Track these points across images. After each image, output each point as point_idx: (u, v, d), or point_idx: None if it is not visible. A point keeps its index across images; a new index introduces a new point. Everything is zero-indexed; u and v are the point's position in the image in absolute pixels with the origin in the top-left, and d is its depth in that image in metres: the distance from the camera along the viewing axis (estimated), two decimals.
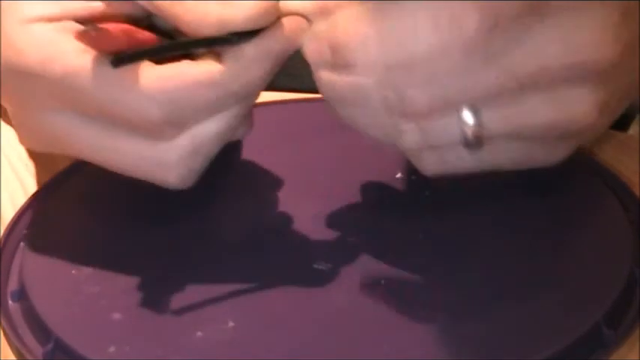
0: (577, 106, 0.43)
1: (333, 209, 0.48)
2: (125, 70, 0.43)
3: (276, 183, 0.51)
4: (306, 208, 0.48)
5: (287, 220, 0.48)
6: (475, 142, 0.43)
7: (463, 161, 0.44)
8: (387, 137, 0.44)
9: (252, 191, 0.51)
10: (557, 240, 0.45)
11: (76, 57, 0.44)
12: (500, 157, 0.44)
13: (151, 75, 0.44)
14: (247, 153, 0.53)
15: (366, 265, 0.45)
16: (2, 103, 0.50)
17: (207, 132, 0.45)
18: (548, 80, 0.42)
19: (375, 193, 0.49)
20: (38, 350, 0.42)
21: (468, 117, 0.42)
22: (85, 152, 0.47)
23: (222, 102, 0.44)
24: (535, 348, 0.40)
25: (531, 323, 0.41)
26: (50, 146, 0.48)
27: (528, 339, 0.41)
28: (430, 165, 0.44)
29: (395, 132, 0.43)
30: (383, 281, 0.44)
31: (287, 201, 0.49)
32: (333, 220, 0.47)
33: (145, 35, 0.45)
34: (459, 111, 0.42)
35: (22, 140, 0.50)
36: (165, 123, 0.44)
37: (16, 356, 0.43)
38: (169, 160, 0.45)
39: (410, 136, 0.43)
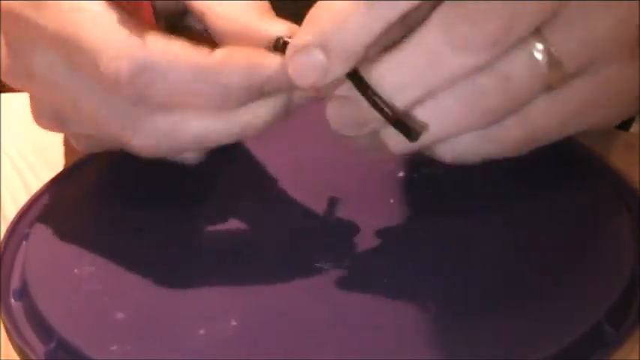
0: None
1: (335, 208, 0.48)
2: (124, 21, 0.44)
3: (277, 181, 0.51)
4: (308, 206, 0.48)
5: (289, 218, 0.48)
6: (552, 72, 0.42)
7: (546, 115, 0.43)
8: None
9: (254, 190, 0.51)
10: (558, 239, 0.45)
11: None
12: (571, 105, 0.43)
13: (144, 38, 0.44)
14: (249, 151, 0.53)
15: (368, 264, 0.45)
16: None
17: (195, 129, 0.45)
18: None
19: (377, 192, 0.49)
20: (40, 349, 0.42)
21: (538, 48, 0.41)
22: (61, 94, 0.47)
23: (205, 96, 0.44)
24: (536, 347, 0.40)
25: (532, 322, 0.41)
26: (30, 85, 0.49)
27: (529, 338, 0.41)
28: (514, 135, 0.43)
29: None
30: (385, 280, 0.44)
31: (288, 200, 0.49)
32: (335, 218, 0.47)
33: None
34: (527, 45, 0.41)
35: (4, 76, 0.50)
36: (130, 84, 0.44)
37: (18, 355, 0.43)
38: (141, 125, 0.45)
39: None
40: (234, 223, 0.48)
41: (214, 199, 0.50)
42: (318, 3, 0.42)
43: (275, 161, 0.52)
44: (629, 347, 0.41)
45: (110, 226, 0.49)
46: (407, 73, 0.41)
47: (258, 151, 0.53)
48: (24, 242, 0.48)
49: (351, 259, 0.45)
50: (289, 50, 0.42)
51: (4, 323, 0.44)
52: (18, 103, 0.61)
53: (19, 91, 0.51)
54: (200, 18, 0.48)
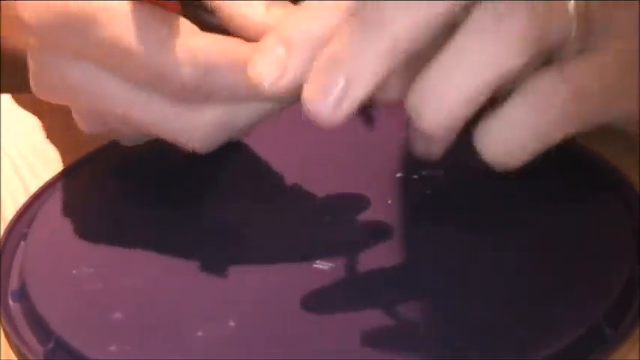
0: None
1: (334, 208, 0.48)
2: (171, 27, 0.44)
3: (276, 181, 0.51)
4: (307, 206, 0.48)
5: (287, 219, 0.48)
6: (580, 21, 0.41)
7: (587, 75, 0.42)
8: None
9: (253, 190, 0.50)
10: (557, 238, 0.45)
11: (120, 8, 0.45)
12: (610, 69, 0.43)
13: (198, 40, 0.44)
14: (249, 151, 0.53)
15: (367, 264, 0.45)
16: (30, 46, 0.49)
17: (243, 117, 0.46)
18: None
19: (377, 192, 0.49)
20: (39, 350, 0.42)
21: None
22: (109, 104, 0.46)
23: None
24: (535, 347, 0.40)
25: (531, 322, 0.41)
26: (68, 97, 0.48)
27: (528, 338, 0.40)
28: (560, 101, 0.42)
29: None
30: (384, 280, 0.44)
31: (287, 199, 0.49)
32: (334, 218, 0.47)
33: None
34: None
35: (37, 90, 0.49)
36: (196, 89, 0.44)
37: (16, 356, 0.43)
38: (194, 124, 0.46)
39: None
40: (232, 224, 0.48)
41: (212, 200, 0.50)
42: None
43: (274, 161, 0.52)
44: (629, 347, 0.41)
45: (108, 226, 0.49)
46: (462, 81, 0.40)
47: (259, 151, 0.53)
48: (22, 243, 0.48)
49: (350, 259, 0.45)
50: (251, 55, 0.43)
51: (2, 324, 0.44)
52: (20, 104, 0.61)
53: (18, 91, 0.51)
54: (216, 14, 0.48)
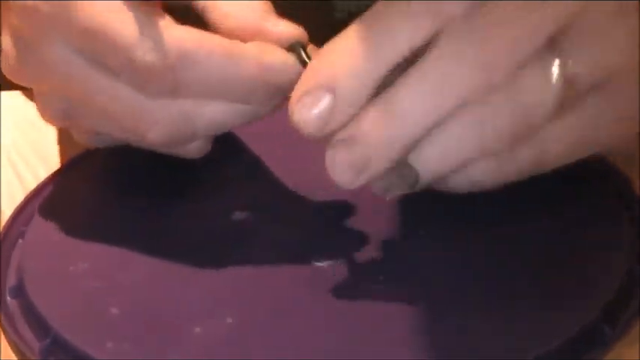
0: None
1: (334, 206, 0.48)
2: (148, 16, 0.45)
3: (275, 179, 0.51)
4: (306, 205, 0.48)
5: (287, 217, 0.48)
6: (567, 88, 0.41)
7: (558, 136, 0.42)
8: None
9: (253, 188, 0.50)
10: (556, 237, 0.45)
11: None
12: (585, 121, 0.42)
13: (175, 30, 0.45)
14: (248, 149, 0.53)
15: (367, 262, 0.45)
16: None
17: (209, 113, 0.46)
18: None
19: None
20: (36, 346, 0.42)
21: (552, 62, 0.40)
22: (76, 87, 0.47)
23: (237, 92, 0.45)
24: (533, 346, 0.40)
25: (529, 321, 0.41)
26: (42, 80, 0.49)
27: (526, 337, 0.40)
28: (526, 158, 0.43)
29: None
30: (383, 279, 0.44)
31: (287, 198, 0.49)
32: (334, 217, 0.47)
33: None
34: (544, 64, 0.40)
35: (7, 68, 0.50)
36: (168, 79, 0.44)
37: (14, 352, 0.43)
38: (156, 116, 0.46)
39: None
40: (231, 221, 0.48)
41: (210, 197, 0.50)
42: (323, 49, 0.42)
43: (274, 159, 0.52)
44: (627, 346, 0.41)
45: (106, 223, 0.49)
46: (416, 100, 0.41)
47: (258, 149, 0.53)
48: (20, 240, 0.48)
49: (349, 258, 0.45)
50: (294, 93, 0.42)
51: (0, 321, 0.44)
52: (17, 101, 0.61)
53: (18, 89, 0.51)
54: (204, 16, 0.48)
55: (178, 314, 0.43)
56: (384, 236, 0.46)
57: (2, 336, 0.44)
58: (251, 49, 0.45)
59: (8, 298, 0.45)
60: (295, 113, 0.41)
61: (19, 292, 0.45)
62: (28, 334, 0.43)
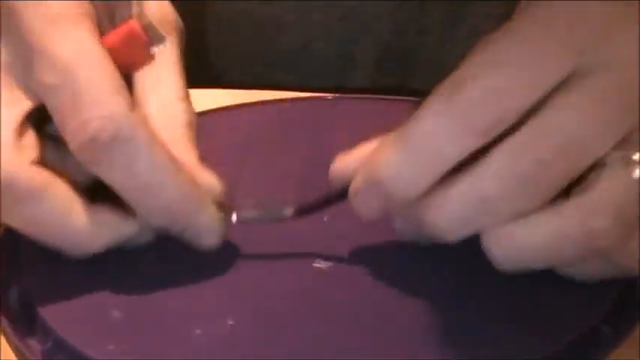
0: None
1: (333, 207, 0.48)
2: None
3: (275, 180, 0.51)
4: (306, 205, 0.48)
5: (286, 217, 0.48)
6: None
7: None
8: None
9: (252, 189, 0.51)
10: None
11: None
12: None
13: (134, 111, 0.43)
14: (248, 150, 0.53)
15: (366, 263, 0.45)
16: None
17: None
18: None
19: None
20: (37, 349, 0.42)
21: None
22: None
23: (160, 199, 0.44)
24: (534, 347, 0.40)
25: (530, 322, 0.41)
26: None
27: (527, 338, 0.41)
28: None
29: None
30: (383, 279, 0.44)
31: (286, 199, 0.49)
32: (333, 218, 0.47)
33: None
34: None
35: None
36: (99, 151, 0.42)
37: (16, 355, 0.43)
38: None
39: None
40: (231, 222, 0.48)
41: None
42: (375, 149, 0.43)
43: (273, 160, 0.52)
44: (627, 347, 0.41)
45: None
46: (406, 166, 0.41)
47: (258, 151, 0.53)
48: (21, 242, 0.48)
49: (348, 259, 0.45)
50: (352, 188, 0.43)
51: (1, 323, 0.44)
52: None
53: None
54: None
55: (179, 316, 0.43)
56: (384, 238, 0.46)
57: (1, 336, 0.44)
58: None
59: (10, 300, 0.45)
60: (355, 205, 0.43)
61: (20, 294, 0.45)
62: (29, 337, 0.43)
